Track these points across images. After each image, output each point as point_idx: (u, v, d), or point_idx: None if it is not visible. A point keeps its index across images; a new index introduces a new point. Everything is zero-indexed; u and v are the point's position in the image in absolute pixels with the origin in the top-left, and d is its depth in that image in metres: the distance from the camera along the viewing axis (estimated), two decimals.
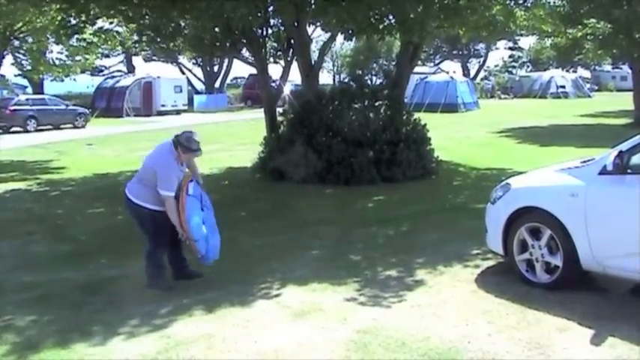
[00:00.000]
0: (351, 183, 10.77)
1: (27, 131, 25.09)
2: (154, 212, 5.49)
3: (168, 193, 5.37)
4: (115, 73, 45.84)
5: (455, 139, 18.22)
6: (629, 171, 4.90)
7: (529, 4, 12.64)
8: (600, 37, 21.92)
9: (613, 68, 55.03)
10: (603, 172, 4.97)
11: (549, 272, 5.29)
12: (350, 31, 11.48)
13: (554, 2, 15.30)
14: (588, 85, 48.36)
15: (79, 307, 5.24)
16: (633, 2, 18.98)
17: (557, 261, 5.22)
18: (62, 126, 26.77)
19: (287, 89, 16.78)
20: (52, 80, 33.11)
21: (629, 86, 28.62)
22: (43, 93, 32.29)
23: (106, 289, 5.66)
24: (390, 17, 11.47)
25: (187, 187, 5.51)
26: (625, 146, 4.95)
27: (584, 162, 5.39)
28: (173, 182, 5.42)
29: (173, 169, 5.47)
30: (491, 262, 6.12)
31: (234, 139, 20.20)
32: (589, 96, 43.20)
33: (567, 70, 53.58)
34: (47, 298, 5.48)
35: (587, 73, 57.72)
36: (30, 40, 25.71)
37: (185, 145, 5.53)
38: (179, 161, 5.55)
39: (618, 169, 4.87)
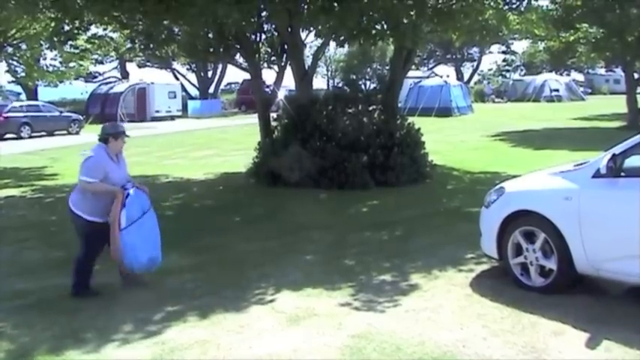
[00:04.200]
0: (345, 187, 10.78)
1: (21, 138, 25.00)
2: (90, 223, 5.55)
3: (87, 179, 5.45)
4: (109, 79, 45.74)
5: (449, 143, 18.26)
6: (622, 174, 4.91)
7: (522, 8, 12.67)
8: (593, 40, 22.03)
9: (606, 71, 55.25)
10: (597, 175, 4.98)
11: (544, 276, 5.30)
12: (341, 38, 11.49)
13: (546, 6, 15.37)
14: (582, 89, 48.50)
15: (72, 313, 5.21)
16: (625, 5, 19.08)
17: (551, 264, 5.23)
18: (56, 132, 26.68)
19: (281, 94, 16.79)
20: (45, 86, 33.05)
21: (622, 89, 28.73)
22: (37, 99, 32.20)
23: (100, 296, 5.62)
24: (383, 23, 11.49)
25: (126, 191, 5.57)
26: (618, 149, 4.97)
27: (578, 165, 5.40)
28: (97, 171, 5.48)
29: (103, 160, 5.55)
30: (485, 266, 6.12)
31: (229, 145, 20.19)
32: (583, 99, 43.33)
33: (561, 74, 53.72)
34: (41, 305, 5.45)
35: (580, 77, 57.86)
36: (24, 46, 25.64)
37: (113, 131, 5.70)
38: (112, 156, 5.65)
39: (611, 173, 4.89)
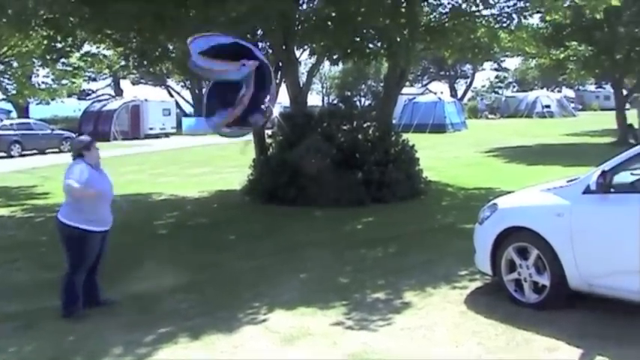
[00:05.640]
0: (340, 204, 10.76)
1: (11, 156, 24.79)
2: (82, 231, 5.45)
3: (72, 181, 5.32)
4: (103, 97, 45.76)
5: (443, 159, 18.32)
6: (612, 190, 4.95)
7: (513, 27, 12.83)
8: (583, 58, 22.27)
9: (596, 88, 55.79)
10: (587, 191, 5.01)
11: (537, 292, 5.30)
12: (335, 57, 11.56)
13: (537, 24, 15.56)
14: (573, 105, 48.95)
15: (62, 335, 5.14)
16: (614, 24, 19.33)
17: (544, 280, 5.23)
18: (48, 151, 26.51)
19: (276, 111, 16.78)
20: (37, 104, 32.96)
21: (612, 105, 28.99)
22: (28, 117, 32.09)
23: (90, 318, 5.53)
24: (376, 42, 11.59)
25: None
26: (607, 166, 5.01)
27: (570, 181, 5.43)
28: (82, 174, 5.38)
29: (84, 169, 5.45)
30: (480, 283, 6.12)
31: (223, 162, 20.16)
32: (574, 115, 43.73)
33: (552, 90, 54.26)
34: (30, 327, 5.37)
35: (571, 93, 58.41)
36: (15, 64, 25.60)
37: (83, 144, 5.65)
38: (91, 165, 5.57)
39: (602, 189, 4.92)
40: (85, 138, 5.88)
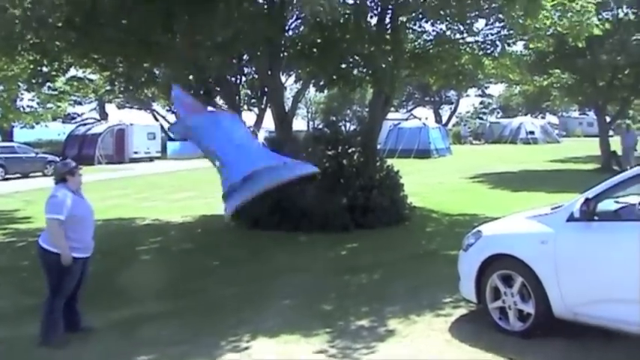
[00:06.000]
0: (325, 230, 10.72)
1: None
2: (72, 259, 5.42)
3: (54, 216, 5.34)
4: (88, 121, 45.54)
5: (428, 184, 18.37)
6: (595, 218, 4.97)
7: (496, 54, 13.00)
8: (566, 85, 22.57)
9: (580, 114, 56.54)
10: (571, 219, 5.03)
11: (522, 320, 5.28)
12: (321, 83, 11.63)
13: (520, 52, 15.78)
14: (557, 131, 49.49)
15: None
16: (596, 52, 19.67)
17: (529, 308, 5.22)
18: (31, 174, 26.33)
19: (261, 136, 16.85)
20: (22, 128, 32.74)
21: (595, 132, 29.32)
22: (12, 140, 31.87)
23: (70, 344, 5.45)
24: (361, 68, 11.68)
25: None
26: (591, 193, 5.04)
27: (554, 209, 5.45)
28: (63, 206, 5.38)
29: (67, 195, 5.46)
30: (464, 310, 6.09)
31: (208, 186, 19.96)
32: (557, 141, 44.17)
33: (536, 117, 54.83)
34: (11, 354, 5.29)
35: (555, 119, 59.15)
36: (0, 88, 25.49)
37: (67, 169, 5.67)
38: (74, 191, 5.58)
39: (585, 216, 4.94)
40: (69, 163, 5.85)
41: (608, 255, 4.78)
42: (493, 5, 10.79)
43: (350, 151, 11.98)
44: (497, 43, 12.50)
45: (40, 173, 26.52)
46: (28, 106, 29.49)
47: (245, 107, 14.30)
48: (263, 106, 13.65)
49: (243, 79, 13.63)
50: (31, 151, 28.03)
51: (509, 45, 12.90)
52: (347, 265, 8.58)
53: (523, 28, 11.08)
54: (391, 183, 11.84)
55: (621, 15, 20.55)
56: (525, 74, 18.49)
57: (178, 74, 12.37)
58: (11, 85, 23.87)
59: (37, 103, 29.44)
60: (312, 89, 15.48)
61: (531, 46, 14.92)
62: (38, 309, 5.63)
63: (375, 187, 11.36)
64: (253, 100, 14.06)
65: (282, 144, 11.27)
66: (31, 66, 13.45)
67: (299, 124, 50.92)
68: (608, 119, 24.48)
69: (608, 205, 5.12)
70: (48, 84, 19.42)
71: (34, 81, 14.10)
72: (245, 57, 12.59)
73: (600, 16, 15.88)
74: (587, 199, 4.97)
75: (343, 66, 11.27)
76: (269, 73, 12.07)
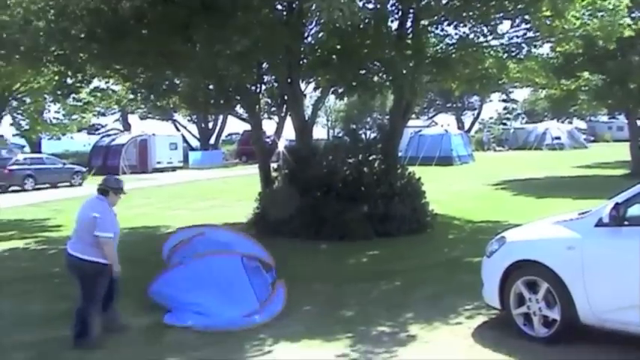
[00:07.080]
0: (345, 238, 10.66)
1: (25, 190, 25.05)
2: (102, 265, 5.62)
3: (108, 234, 5.60)
4: (111, 132, 46.17)
5: (450, 192, 18.20)
6: (625, 223, 4.86)
7: (522, 57, 12.73)
8: (595, 88, 22.06)
9: (609, 119, 55.36)
10: (600, 224, 4.93)
11: (547, 326, 5.18)
12: (340, 91, 11.56)
13: (547, 54, 15.45)
14: (584, 136, 48.71)
15: None
16: (627, 53, 19.21)
17: (554, 314, 5.11)
18: (59, 184, 26.77)
19: (281, 144, 16.88)
20: (49, 139, 33.33)
21: (625, 136, 28.63)
22: (40, 152, 32.44)
23: (102, 348, 5.54)
24: (381, 75, 11.59)
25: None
26: (621, 198, 4.92)
27: (582, 214, 5.34)
28: (113, 224, 5.72)
29: (111, 213, 5.81)
30: (486, 317, 6.00)
31: (230, 195, 20.15)
32: (585, 147, 43.47)
33: (562, 122, 53.99)
34: (41, 358, 5.38)
35: (582, 124, 58.11)
36: (28, 100, 25.99)
37: (115, 186, 5.94)
38: (110, 207, 5.87)
39: (615, 221, 4.83)
40: (121, 182, 6.08)
41: (638, 260, 4.65)
42: (519, 6, 10.58)
43: (370, 158, 11.91)
44: (523, 45, 12.25)
45: (67, 183, 26.97)
46: (54, 118, 30.08)
47: (265, 116, 14.36)
48: (283, 115, 13.65)
49: (263, 87, 13.65)
50: (58, 162, 28.50)
51: (535, 47, 12.66)
52: (368, 272, 8.51)
53: (550, 29, 10.83)
54: (412, 190, 11.73)
55: None
56: (552, 77, 18.06)
57: (198, 84, 12.47)
58: (37, 96, 24.36)
59: (63, 115, 30.00)
60: (331, 97, 15.46)
61: (558, 48, 14.58)
62: (70, 313, 5.79)
63: (395, 195, 11.27)
64: (273, 109, 14.11)
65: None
66: (56, 77, 13.73)
67: (319, 132, 50.97)
68: (639, 123, 23.86)
69: (637, 210, 4.97)
70: (72, 95, 19.75)
71: (59, 92, 14.39)
72: (264, 65, 12.61)
73: (632, 16, 15.37)
74: (616, 204, 4.86)
75: (363, 72, 11.17)
76: (288, 81, 12.08)
